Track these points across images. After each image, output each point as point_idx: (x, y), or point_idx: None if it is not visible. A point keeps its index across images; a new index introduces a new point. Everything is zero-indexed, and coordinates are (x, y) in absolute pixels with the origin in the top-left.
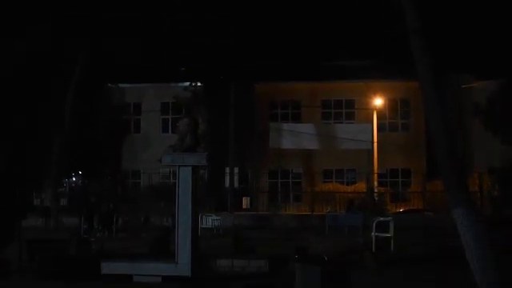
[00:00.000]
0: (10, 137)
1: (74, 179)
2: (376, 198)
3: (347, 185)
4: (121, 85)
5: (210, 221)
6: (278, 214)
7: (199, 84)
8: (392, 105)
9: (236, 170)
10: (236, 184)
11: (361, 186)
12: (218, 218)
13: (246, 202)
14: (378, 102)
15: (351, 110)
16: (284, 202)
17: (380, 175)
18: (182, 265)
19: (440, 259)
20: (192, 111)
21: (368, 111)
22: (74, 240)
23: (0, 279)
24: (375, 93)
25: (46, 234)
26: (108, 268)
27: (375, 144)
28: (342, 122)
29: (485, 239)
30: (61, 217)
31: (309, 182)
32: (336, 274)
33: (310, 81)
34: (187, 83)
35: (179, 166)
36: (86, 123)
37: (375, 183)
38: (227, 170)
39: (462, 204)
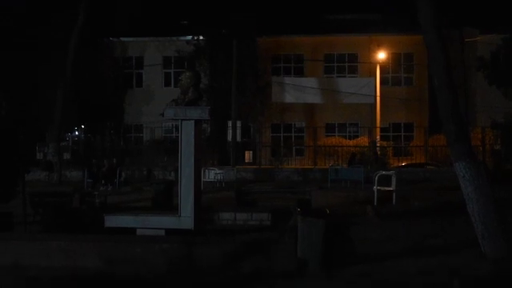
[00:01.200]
0: (12, 90)
1: (76, 133)
2: (378, 152)
3: (350, 139)
4: (123, 39)
5: (212, 174)
6: (281, 168)
7: (201, 38)
8: (395, 59)
9: (238, 123)
10: (238, 138)
11: (363, 140)
12: (220, 171)
13: (248, 155)
14: (381, 55)
15: (354, 64)
16: (286, 156)
17: (382, 129)
18: (185, 218)
19: (441, 212)
20: (194, 65)
21: (371, 65)
22: (77, 193)
23: (4, 231)
24: (378, 47)
25: (50, 187)
26: (111, 221)
27: (378, 98)
28: (344, 76)
29: (486, 192)
30: (64, 171)
31: (311, 136)
32: (338, 226)
33: (313, 34)
34: (189, 37)
35: (182, 119)
36: (89, 77)
37: (378, 137)
38: (230, 123)
39: (464, 157)
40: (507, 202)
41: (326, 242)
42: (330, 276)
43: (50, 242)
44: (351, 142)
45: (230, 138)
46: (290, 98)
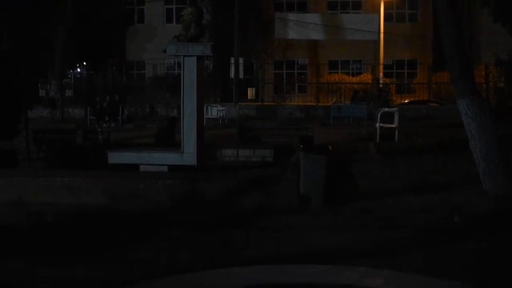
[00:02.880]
0: (14, 27)
1: (78, 71)
2: (382, 89)
3: (353, 76)
4: None
5: (215, 111)
6: (283, 105)
7: None
8: None
9: (241, 60)
10: (241, 75)
11: (366, 77)
12: (223, 108)
13: (251, 92)
14: None
15: (358, 0)
16: (289, 93)
17: (386, 66)
18: (188, 154)
19: (444, 149)
20: (196, 1)
21: (375, 1)
22: (80, 130)
23: (8, 168)
24: None
25: (53, 124)
26: (114, 158)
27: (382, 35)
28: (348, 12)
29: (489, 130)
30: (66, 108)
31: (314, 73)
32: (340, 163)
33: None
34: None
35: (184, 56)
36: (90, 13)
37: (381, 74)
38: (232, 60)
39: (467, 95)
40: (509, 139)
41: (328, 179)
42: (332, 212)
43: (54, 179)
44: (354, 79)
45: (232, 74)
46: (292, 34)
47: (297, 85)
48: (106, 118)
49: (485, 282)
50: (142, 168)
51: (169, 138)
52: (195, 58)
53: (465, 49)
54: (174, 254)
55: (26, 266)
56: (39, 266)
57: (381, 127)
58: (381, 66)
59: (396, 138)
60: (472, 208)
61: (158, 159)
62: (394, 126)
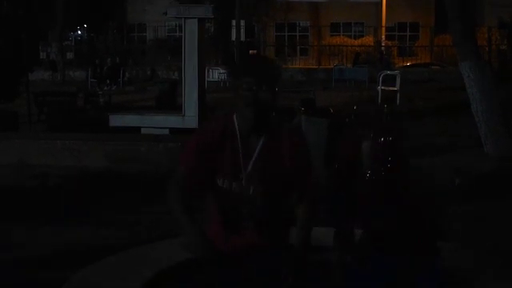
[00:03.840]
0: None
1: (79, 33)
2: (383, 51)
3: (354, 38)
4: None
5: (216, 74)
6: (285, 68)
7: None
8: None
9: (242, 23)
10: (242, 37)
11: (368, 40)
12: (224, 71)
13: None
14: None
15: None
16: (291, 56)
17: (388, 29)
18: (189, 117)
19: (446, 112)
20: None
21: None
22: (81, 93)
23: (9, 131)
24: None
25: (54, 87)
26: (116, 120)
27: None
28: None
29: (491, 93)
30: (67, 71)
31: (316, 36)
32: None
33: None
34: None
35: (185, 18)
36: None
37: (383, 37)
38: (233, 23)
39: (469, 57)
40: (511, 102)
41: (330, 141)
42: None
43: (55, 141)
44: (356, 42)
45: (233, 37)
46: None
47: (298, 47)
48: (107, 81)
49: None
50: (143, 131)
51: (170, 101)
52: (196, 20)
53: (468, 11)
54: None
55: (26, 228)
56: (39, 228)
57: (382, 90)
58: (383, 29)
59: (398, 100)
60: (472, 170)
61: (159, 122)
62: (395, 88)
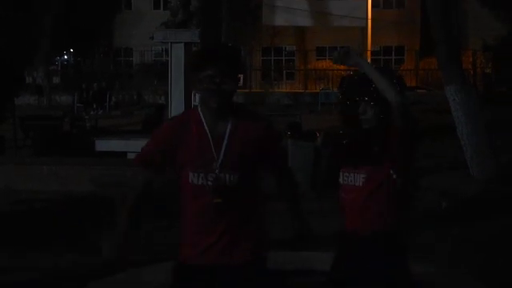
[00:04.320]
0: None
1: (65, 57)
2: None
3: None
4: None
5: None
6: (271, 92)
7: None
8: None
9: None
10: None
11: None
12: None
13: (238, 79)
14: None
15: None
16: (277, 80)
17: (373, 53)
18: None
19: (432, 135)
20: None
21: None
22: (67, 117)
23: None
24: None
25: (40, 111)
26: (102, 145)
27: (369, 21)
28: None
29: (476, 115)
30: (53, 95)
31: (302, 60)
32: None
33: None
34: None
35: (171, 42)
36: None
37: (368, 61)
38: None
39: (455, 80)
40: (496, 125)
41: (316, 164)
42: (320, 197)
43: (41, 166)
44: (342, 66)
45: None
46: (280, 20)
47: (284, 71)
48: (94, 105)
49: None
50: (129, 155)
51: (156, 125)
52: (183, 44)
53: (453, 34)
54: (162, 242)
55: (13, 252)
56: (26, 253)
57: None
58: (368, 53)
59: None
60: (458, 192)
61: None
62: None
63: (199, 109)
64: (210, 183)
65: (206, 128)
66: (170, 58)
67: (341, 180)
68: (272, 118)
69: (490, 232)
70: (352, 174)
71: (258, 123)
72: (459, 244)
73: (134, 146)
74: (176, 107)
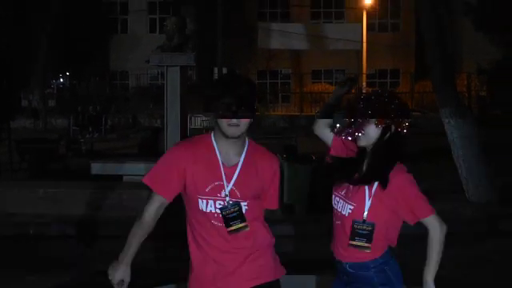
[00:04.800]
0: None
1: (61, 80)
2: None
3: (336, 85)
4: None
5: (199, 121)
6: (267, 115)
7: None
8: (382, 4)
9: (224, 70)
10: None
11: None
12: (206, 118)
13: None
14: (368, 1)
15: (341, 10)
16: (273, 103)
17: (369, 76)
18: None
19: (427, 158)
20: (179, 10)
21: (357, 11)
22: (63, 140)
23: None
24: None
25: (36, 134)
26: (97, 168)
27: (364, 44)
28: (331, 22)
29: (471, 138)
30: (49, 118)
31: (297, 83)
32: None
33: None
34: None
35: (167, 66)
36: (73, 22)
37: (364, 84)
38: (216, 70)
39: (449, 103)
40: (491, 148)
41: (312, 188)
42: (316, 221)
43: (37, 190)
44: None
45: None
46: (276, 44)
47: (280, 94)
48: (90, 129)
49: None
50: (125, 178)
51: (152, 149)
52: (178, 68)
53: (447, 58)
54: (157, 266)
55: (11, 275)
56: (25, 277)
57: None
58: (364, 76)
59: None
60: (454, 216)
61: (141, 170)
62: None
63: (213, 135)
64: (217, 210)
65: (219, 155)
66: (165, 82)
67: (332, 203)
68: (268, 141)
69: (486, 255)
70: (342, 201)
71: (270, 160)
72: (454, 269)
73: (129, 169)
74: (172, 131)
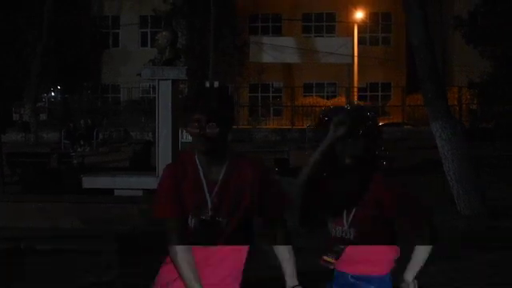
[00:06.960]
0: None
1: (53, 94)
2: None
3: (327, 99)
4: None
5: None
6: (259, 128)
7: None
8: (373, 18)
9: (216, 84)
10: None
11: (341, 100)
12: None
13: None
14: (359, 15)
15: (332, 24)
16: (264, 116)
17: (360, 89)
18: None
19: (418, 171)
20: (171, 24)
21: (349, 25)
22: (54, 154)
23: None
24: (356, 6)
25: (27, 148)
26: (89, 182)
27: (355, 58)
28: (322, 36)
29: (462, 152)
30: (40, 132)
31: (289, 96)
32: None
33: None
34: None
35: (159, 80)
36: (65, 36)
37: (355, 97)
38: (207, 84)
39: (440, 117)
40: (482, 161)
41: (305, 201)
42: (309, 234)
43: (29, 203)
44: (329, 102)
45: None
46: (267, 57)
47: (272, 108)
48: (81, 142)
49: None
50: (116, 192)
51: (144, 162)
52: (170, 81)
53: (438, 71)
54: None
55: None
56: None
57: None
58: (355, 89)
59: None
60: (446, 229)
61: (132, 183)
62: None
63: (196, 152)
64: (201, 227)
65: (200, 171)
66: (157, 95)
67: (331, 231)
68: (260, 154)
69: (477, 267)
70: (339, 227)
71: (254, 168)
72: (444, 281)
73: (121, 182)
74: (163, 144)
